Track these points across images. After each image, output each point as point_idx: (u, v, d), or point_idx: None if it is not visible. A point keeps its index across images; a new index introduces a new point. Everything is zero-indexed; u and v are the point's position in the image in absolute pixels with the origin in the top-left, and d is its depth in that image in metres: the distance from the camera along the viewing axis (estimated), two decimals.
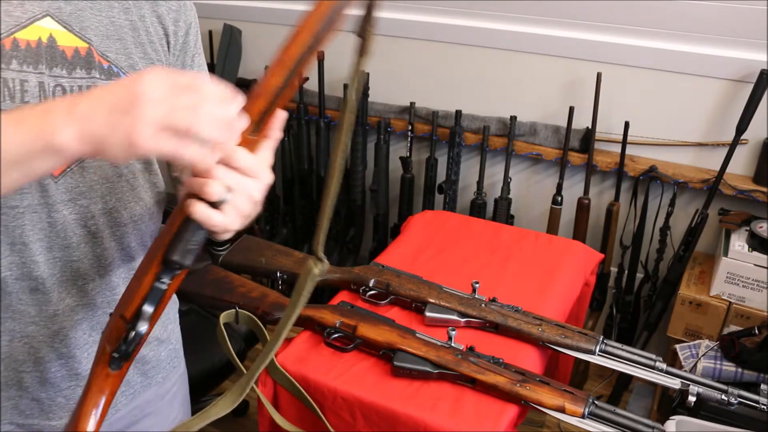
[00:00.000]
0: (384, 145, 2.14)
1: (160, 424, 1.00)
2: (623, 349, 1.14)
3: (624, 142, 1.84)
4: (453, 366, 1.07)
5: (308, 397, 1.07)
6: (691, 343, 1.71)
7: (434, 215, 1.65)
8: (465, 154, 2.13)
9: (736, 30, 1.69)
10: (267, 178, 0.64)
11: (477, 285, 1.24)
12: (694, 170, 1.84)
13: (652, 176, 1.85)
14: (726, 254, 1.70)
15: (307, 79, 2.22)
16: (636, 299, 2.00)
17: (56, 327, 0.81)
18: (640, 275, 1.98)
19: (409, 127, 2.11)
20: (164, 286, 0.66)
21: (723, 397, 1.06)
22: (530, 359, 1.16)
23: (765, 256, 1.65)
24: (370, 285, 1.27)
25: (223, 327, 1.04)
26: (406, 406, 1.03)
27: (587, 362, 1.82)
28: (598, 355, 1.15)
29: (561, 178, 1.95)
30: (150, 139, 0.54)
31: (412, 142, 2.12)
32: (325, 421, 1.06)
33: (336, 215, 2.33)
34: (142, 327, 0.65)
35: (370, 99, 2.16)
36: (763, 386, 1.48)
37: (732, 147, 1.69)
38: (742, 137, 1.69)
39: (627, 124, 1.83)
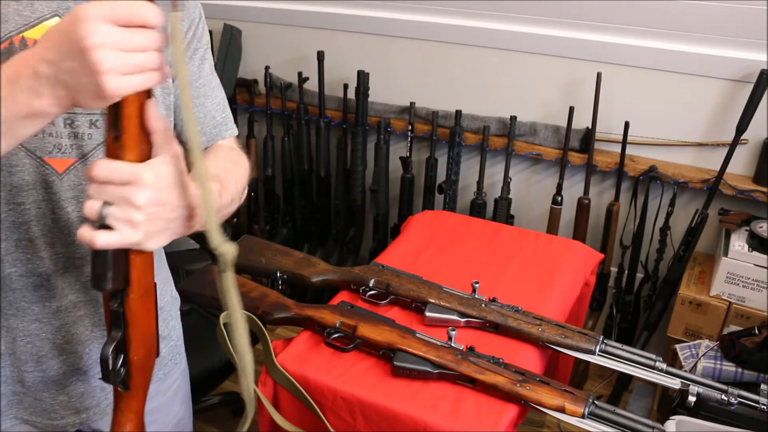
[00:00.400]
0: (384, 145, 2.14)
1: (162, 420, 1.00)
2: (623, 349, 1.14)
3: (624, 142, 1.85)
4: (453, 366, 1.07)
5: (308, 397, 1.08)
6: (691, 343, 1.71)
7: (434, 215, 1.65)
8: (465, 154, 2.13)
9: (736, 30, 1.69)
10: (146, 180, 0.60)
11: (477, 285, 1.24)
12: (694, 170, 1.84)
13: (652, 176, 1.85)
14: (726, 254, 1.70)
15: (307, 79, 2.22)
16: (636, 299, 2.00)
17: (59, 323, 0.82)
18: (640, 275, 1.98)
19: (409, 127, 2.11)
20: (120, 309, 0.66)
21: (723, 397, 1.06)
22: (530, 359, 1.16)
23: (765, 256, 1.64)
24: (370, 285, 1.27)
25: (223, 327, 1.05)
26: (406, 406, 1.03)
27: (587, 362, 1.82)
28: (598, 355, 1.14)
29: (561, 178, 1.95)
30: (117, 88, 0.55)
31: (412, 142, 2.12)
32: (325, 421, 1.06)
33: (336, 215, 2.34)
34: (114, 352, 0.67)
35: (370, 99, 2.15)
36: (763, 386, 1.48)
37: (732, 147, 1.69)
38: (742, 137, 1.69)
39: (627, 124, 1.83)
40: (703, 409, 1.50)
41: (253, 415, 0.77)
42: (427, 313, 1.21)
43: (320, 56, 2.14)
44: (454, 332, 1.12)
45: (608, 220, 1.91)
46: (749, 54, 1.70)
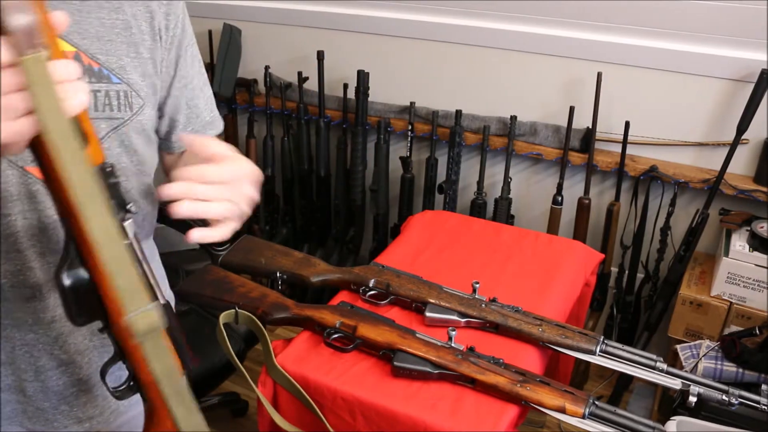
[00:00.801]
0: (384, 144, 2.14)
1: None
2: (624, 350, 1.14)
3: (624, 142, 1.84)
4: (453, 366, 1.06)
5: (308, 397, 1.07)
6: (692, 343, 1.71)
7: (434, 215, 1.65)
8: (465, 154, 2.13)
9: (736, 30, 1.69)
10: None
11: (477, 285, 1.24)
12: (695, 170, 1.84)
13: (652, 176, 1.85)
14: (727, 254, 1.70)
15: (306, 78, 2.22)
16: (636, 299, 1.99)
17: (54, 333, 0.81)
18: (640, 275, 1.97)
19: (409, 127, 2.10)
20: (111, 335, 0.65)
21: (724, 397, 1.06)
22: (530, 359, 1.15)
23: (765, 256, 1.64)
24: (370, 285, 1.27)
25: (222, 327, 1.05)
26: (406, 406, 1.03)
27: (588, 362, 1.81)
28: (599, 355, 1.14)
29: (561, 178, 1.94)
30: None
31: (412, 142, 2.12)
32: (325, 422, 1.06)
33: (336, 215, 2.33)
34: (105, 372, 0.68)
35: (370, 99, 2.15)
36: (764, 387, 1.48)
37: (732, 147, 1.69)
38: (742, 137, 1.69)
39: (627, 124, 1.83)
40: (704, 409, 1.50)
41: None
42: (427, 314, 1.21)
43: (320, 56, 2.13)
44: (454, 332, 1.12)
45: (609, 220, 1.91)
46: (750, 54, 1.69)
